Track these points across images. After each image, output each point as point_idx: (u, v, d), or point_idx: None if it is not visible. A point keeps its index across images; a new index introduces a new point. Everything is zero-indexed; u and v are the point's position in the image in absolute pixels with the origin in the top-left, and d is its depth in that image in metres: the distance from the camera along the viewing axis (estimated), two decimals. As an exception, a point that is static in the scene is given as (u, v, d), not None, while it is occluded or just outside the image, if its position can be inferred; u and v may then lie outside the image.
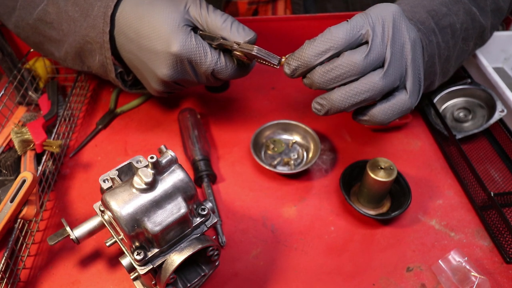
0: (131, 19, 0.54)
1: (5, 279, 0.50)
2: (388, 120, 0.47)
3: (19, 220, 0.54)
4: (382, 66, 0.46)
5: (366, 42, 0.45)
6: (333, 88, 0.46)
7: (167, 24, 0.52)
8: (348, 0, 0.83)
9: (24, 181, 0.53)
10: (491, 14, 0.67)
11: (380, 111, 0.47)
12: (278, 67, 0.48)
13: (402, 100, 0.46)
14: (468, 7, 0.62)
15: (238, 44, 0.51)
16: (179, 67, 0.54)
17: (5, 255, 0.50)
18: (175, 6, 0.53)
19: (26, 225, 0.56)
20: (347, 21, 0.45)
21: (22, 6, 0.61)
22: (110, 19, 0.54)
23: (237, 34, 0.52)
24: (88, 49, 0.58)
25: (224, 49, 0.54)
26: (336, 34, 0.44)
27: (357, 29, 0.44)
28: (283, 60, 0.48)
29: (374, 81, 0.44)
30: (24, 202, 0.53)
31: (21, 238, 0.54)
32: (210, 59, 0.53)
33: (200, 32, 0.55)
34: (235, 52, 0.52)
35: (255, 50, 0.49)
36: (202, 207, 0.46)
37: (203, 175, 0.63)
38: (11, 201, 0.52)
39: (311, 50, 0.45)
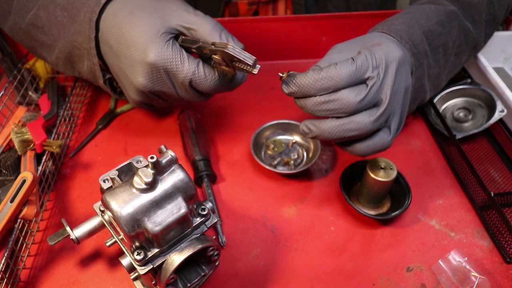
0: (112, 26, 0.53)
1: (5, 279, 0.50)
2: (367, 155, 0.51)
3: (19, 220, 0.54)
4: (374, 106, 0.48)
5: (366, 83, 0.47)
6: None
7: (145, 32, 0.51)
8: (349, 0, 0.83)
9: (24, 181, 0.53)
10: (486, 25, 0.68)
11: (362, 147, 0.50)
12: (256, 71, 0.45)
13: (384, 140, 0.50)
14: (462, 24, 0.63)
15: (214, 44, 0.48)
16: (154, 76, 0.52)
17: (5, 255, 0.50)
18: (157, 13, 0.52)
19: (26, 225, 0.56)
20: (353, 60, 0.46)
21: (16, 10, 0.60)
22: (95, 24, 0.54)
23: (225, 41, 0.51)
24: (77, 54, 0.57)
25: (205, 57, 0.52)
26: (341, 74, 0.45)
27: (362, 72, 0.46)
28: (284, 76, 0.48)
29: (365, 122, 0.46)
30: (24, 202, 0.53)
31: (21, 238, 0.54)
32: (187, 68, 0.51)
33: (183, 37, 0.53)
34: (215, 57, 0.48)
35: (229, 47, 0.45)
36: (202, 207, 0.46)
37: (203, 175, 0.63)
38: (11, 201, 0.52)
39: (313, 83, 0.46)
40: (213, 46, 0.47)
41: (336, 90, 0.46)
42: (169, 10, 0.53)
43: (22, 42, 0.64)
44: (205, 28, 0.51)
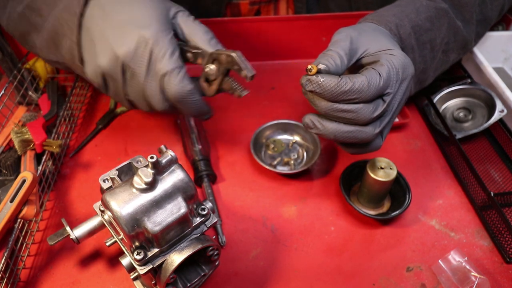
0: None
1: (5, 279, 0.50)
2: (357, 155, 0.55)
3: (19, 220, 0.54)
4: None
5: (382, 99, 0.47)
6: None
7: (154, 10, 0.50)
8: None
9: (24, 181, 0.53)
10: (477, 25, 0.68)
11: (359, 150, 0.52)
12: (244, 93, 0.47)
13: (377, 145, 0.51)
14: (452, 22, 0.64)
15: (217, 50, 0.49)
16: (140, 51, 0.49)
17: (5, 255, 0.50)
18: (164, 5, 0.52)
19: (26, 225, 0.56)
20: (380, 75, 0.45)
21: None
22: (84, 1, 0.52)
23: (214, 47, 0.51)
24: (61, 33, 0.54)
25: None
26: (370, 91, 0.45)
27: (385, 89, 0.46)
28: (313, 71, 0.44)
29: (370, 134, 0.48)
30: (24, 202, 0.53)
31: (21, 238, 0.54)
32: (174, 61, 0.49)
33: (181, 42, 0.53)
34: (209, 67, 0.49)
35: (237, 52, 0.46)
36: (202, 207, 0.46)
37: (203, 175, 0.63)
38: (11, 201, 0.52)
39: (340, 93, 0.44)
40: (214, 52, 0.48)
41: (358, 102, 0.45)
42: (172, 9, 0.53)
43: (16, 30, 0.61)
44: (198, 32, 0.52)
